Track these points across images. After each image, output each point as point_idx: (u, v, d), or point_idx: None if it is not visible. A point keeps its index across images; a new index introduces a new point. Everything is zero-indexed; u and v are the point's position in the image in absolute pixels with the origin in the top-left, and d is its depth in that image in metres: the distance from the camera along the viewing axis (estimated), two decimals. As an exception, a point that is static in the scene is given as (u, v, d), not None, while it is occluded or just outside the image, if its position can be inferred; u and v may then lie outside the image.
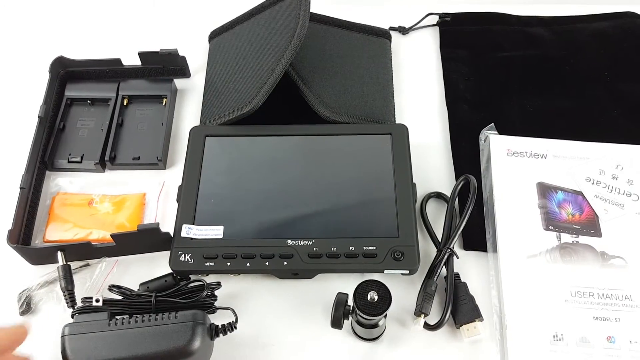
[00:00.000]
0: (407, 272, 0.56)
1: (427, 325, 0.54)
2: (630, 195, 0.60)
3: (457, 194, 0.61)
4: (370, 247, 0.56)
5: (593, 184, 0.61)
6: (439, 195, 0.63)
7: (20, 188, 0.61)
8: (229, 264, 0.56)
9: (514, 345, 0.53)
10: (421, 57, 0.76)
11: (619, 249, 0.57)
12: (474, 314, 0.54)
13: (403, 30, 0.78)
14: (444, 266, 0.57)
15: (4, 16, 0.82)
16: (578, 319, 0.54)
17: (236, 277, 0.58)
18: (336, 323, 0.52)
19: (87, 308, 0.50)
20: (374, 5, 0.80)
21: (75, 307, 0.53)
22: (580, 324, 0.53)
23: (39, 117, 0.65)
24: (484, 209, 0.62)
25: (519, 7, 0.79)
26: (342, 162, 0.62)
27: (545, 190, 0.61)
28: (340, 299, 0.52)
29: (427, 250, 0.60)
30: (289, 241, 0.57)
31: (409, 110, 0.71)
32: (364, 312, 0.49)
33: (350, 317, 0.52)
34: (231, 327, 0.51)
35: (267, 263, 0.56)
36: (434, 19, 0.78)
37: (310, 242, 0.56)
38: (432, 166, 0.66)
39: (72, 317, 0.51)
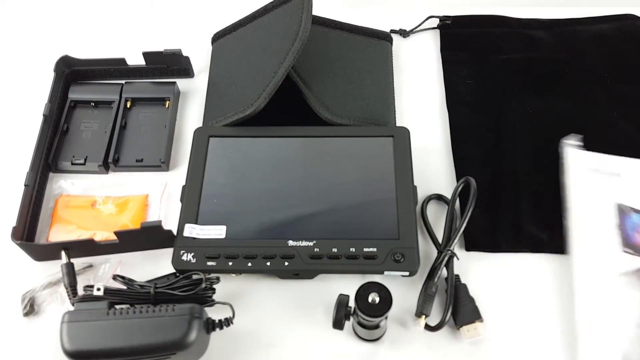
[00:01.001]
0: (407, 273, 0.56)
1: (427, 327, 0.54)
2: None
3: (458, 196, 0.61)
4: (371, 249, 0.56)
5: None
6: (439, 197, 0.63)
7: (25, 185, 0.61)
8: (230, 263, 0.56)
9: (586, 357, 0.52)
10: (422, 60, 0.76)
11: None
12: (474, 315, 0.54)
13: (404, 33, 0.78)
14: (444, 268, 0.57)
15: (9, 16, 0.83)
16: None
17: (237, 277, 0.58)
18: (338, 324, 0.52)
19: (88, 297, 0.50)
20: (376, 8, 0.80)
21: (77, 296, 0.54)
22: None
23: (43, 115, 0.66)
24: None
25: (519, 9, 0.79)
26: (344, 164, 0.63)
27: (623, 211, 0.59)
28: (342, 300, 0.52)
29: (428, 252, 0.60)
30: (290, 242, 0.57)
31: (409, 113, 0.71)
32: (365, 313, 0.49)
33: (351, 319, 0.53)
34: (228, 322, 0.52)
35: (268, 263, 0.56)
36: (435, 22, 0.79)
37: (311, 243, 0.57)
38: (433, 168, 0.66)
39: (73, 305, 0.52)
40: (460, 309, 0.55)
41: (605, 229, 0.58)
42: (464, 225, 0.59)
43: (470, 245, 0.60)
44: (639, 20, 0.78)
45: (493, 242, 0.61)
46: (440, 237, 0.60)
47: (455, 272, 0.57)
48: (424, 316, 0.54)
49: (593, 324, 0.54)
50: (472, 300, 0.56)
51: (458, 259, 0.58)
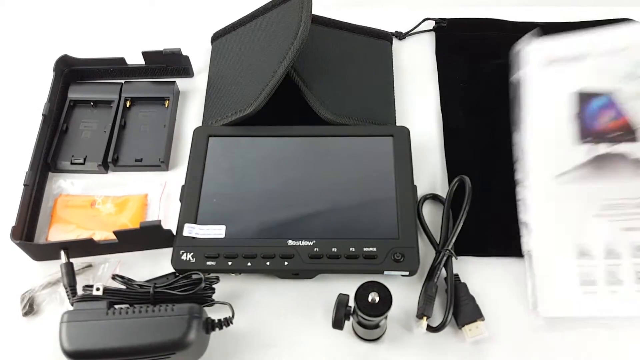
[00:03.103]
0: (407, 273, 0.56)
1: (430, 328, 0.54)
2: None
3: (453, 195, 0.61)
4: (371, 248, 0.56)
5: (632, 79, 0.58)
6: (435, 197, 0.63)
7: (24, 185, 0.61)
8: (230, 263, 0.56)
9: (540, 265, 0.53)
10: (418, 62, 0.76)
11: None
12: (476, 314, 0.54)
13: (400, 36, 0.78)
14: (443, 268, 0.57)
15: (8, 15, 0.83)
16: (606, 232, 0.53)
17: (237, 277, 0.58)
18: (337, 324, 0.52)
19: (87, 297, 0.50)
20: (373, 9, 0.80)
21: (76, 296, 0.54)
22: (609, 236, 0.53)
23: (43, 115, 0.66)
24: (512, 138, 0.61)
25: (516, 9, 0.79)
26: (343, 163, 0.63)
27: (581, 98, 0.58)
28: (342, 300, 0.52)
29: (426, 252, 0.60)
30: (290, 241, 0.57)
31: (407, 113, 0.71)
32: (365, 313, 0.49)
33: (351, 318, 0.53)
34: (227, 322, 0.52)
35: (268, 263, 0.56)
36: (431, 24, 0.79)
37: (311, 243, 0.57)
38: (429, 168, 0.66)
39: (72, 305, 0.52)
40: (461, 308, 0.55)
41: (563, 122, 0.58)
42: (461, 224, 0.59)
43: (460, 249, 0.60)
44: (635, 24, 0.77)
45: (482, 246, 0.60)
46: (437, 237, 0.60)
47: (455, 271, 0.57)
48: (425, 317, 0.54)
49: (548, 224, 0.55)
50: (472, 299, 0.56)
51: (456, 258, 0.58)
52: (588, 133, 0.57)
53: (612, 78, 0.58)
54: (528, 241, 0.56)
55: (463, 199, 0.60)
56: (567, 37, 0.61)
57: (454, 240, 0.58)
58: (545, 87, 0.60)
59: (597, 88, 0.58)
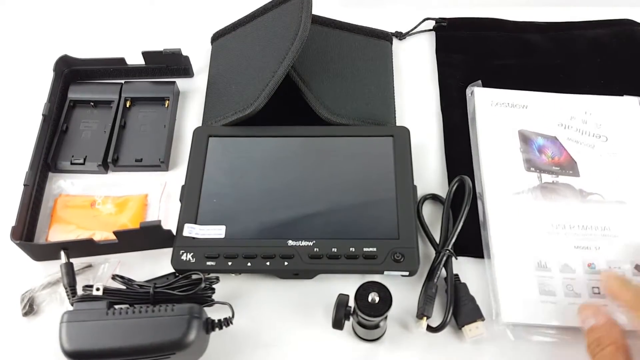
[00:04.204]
0: (407, 273, 0.56)
1: (429, 328, 0.54)
2: (600, 137, 0.65)
3: (453, 195, 0.61)
4: (371, 249, 0.56)
5: (565, 128, 0.66)
6: (434, 197, 0.63)
7: (24, 185, 0.61)
8: (230, 263, 0.56)
9: (502, 274, 0.56)
10: (418, 62, 0.76)
11: (596, 187, 0.62)
12: (476, 314, 0.54)
13: (400, 36, 0.78)
14: (443, 268, 0.57)
15: (9, 16, 0.83)
16: (560, 249, 0.58)
17: (237, 277, 0.58)
18: (337, 324, 0.52)
19: (87, 297, 0.50)
20: (373, 9, 0.80)
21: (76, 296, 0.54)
22: (563, 252, 0.57)
23: (42, 115, 0.66)
24: (472, 158, 0.65)
25: (516, 9, 0.79)
26: (343, 163, 0.63)
27: (526, 137, 0.65)
28: (342, 300, 0.52)
29: (426, 253, 0.60)
30: (290, 242, 0.57)
31: (407, 113, 0.71)
32: (365, 313, 0.49)
33: (351, 318, 0.53)
34: (227, 322, 0.51)
35: (268, 263, 0.56)
36: (431, 24, 0.79)
37: (311, 243, 0.57)
38: (429, 168, 0.66)
39: (72, 305, 0.52)
40: (461, 308, 0.55)
41: (511, 154, 0.64)
42: (461, 224, 0.59)
43: (460, 250, 0.60)
44: (636, 25, 0.77)
45: (482, 246, 0.60)
46: (437, 237, 0.60)
47: (455, 271, 0.57)
48: (425, 318, 0.54)
49: (506, 236, 0.58)
50: (472, 299, 0.56)
51: (457, 258, 0.58)
52: (533, 165, 0.63)
53: (549, 124, 0.66)
54: (490, 249, 0.58)
55: (463, 199, 0.60)
56: (508, 91, 0.69)
57: (454, 240, 0.58)
58: (493, 123, 0.66)
59: (538, 130, 0.66)
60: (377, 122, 0.67)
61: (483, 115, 0.67)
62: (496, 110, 0.67)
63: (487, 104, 0.68)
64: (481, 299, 0.56)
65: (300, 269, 0.56)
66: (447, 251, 0.57)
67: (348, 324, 0.54)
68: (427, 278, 0.57)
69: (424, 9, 0.79)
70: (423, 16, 0.79)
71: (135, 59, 0.72)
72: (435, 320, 0.55)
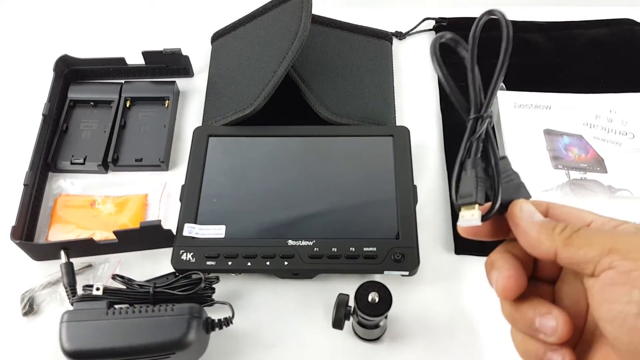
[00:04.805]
0: (407, 273, 0.56)
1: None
2: (626, 134, 0.66)
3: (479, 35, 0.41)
4: (371, 248, 0.56)
5: (590, 127, 0.67)
6: (454, 41, 0.42)
7: (24, 185, 0.61)
8: (230, 263, 0.56)
9: None
10: (418, 62, 0.76)
11: (624, 183, 0.62)
12: (523, 192, 0.38)
13: (400, 35, 0.78)
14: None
15: (9, 16, 0.83)
16: None
17: (237, 277, 0.58)
18: (337, 324, 0.52)
19: (87, 297, 0.50)
20: (373, 9, 0.80)
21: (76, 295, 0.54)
22: None
23: (43, 115, 0.66)
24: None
25: (516, 8, 0.79)
26: (343, 163, 0.63)
27: (551, 136, 0.66)
28: (342, 300, 0.52)
29: (426, 252, 0.60)
30: (290, 241, 0.57)
31: (407, 113, 0.71)
32: (365, 313, 0.49)
33: (351, 318, 0.53)
34: (227, 321, 0.52)
35: (267, 263, 0.56)
36: (431, 24, 0.79)
37: (311, 243, 0.57)
38: (429, 168, 0.66)
39: (72, 304, 0.52)
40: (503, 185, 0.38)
41: (537, 154, 0.65)
42: (502, 77, 0.41)
43: (461, 248, 0.60)
44: (636, 25, 0.77)
45: (483, 245, 0.60)
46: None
47: (455, 271, 0.57)
48: (477, 205, 0.36)
49: None
50: (516, 174, 0.39)
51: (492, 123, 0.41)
52: (561, 162, 0.64)
53: (574, 124, 0.67)
54: None
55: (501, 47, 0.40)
56: (531, 93, 0.70)
57: (493, 100, 0.41)
58: (518, 124, 0.67)
59: (563, 130, 0.67)
60: (377, 122, 0.67)
61: (507, 117, 0.68)
62: (520, 112, 0.68)
63: (511, 105, 0.69)
64: (481, 300, 0.56)
65: (300, 269, 0.56)
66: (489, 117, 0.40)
67: (348, 324, 0.54)
68: (465, 155, 0.40)
69: (423, 9, 0.79)
70: (423, 16, 0.79)
71: (135, 59, 0.72)
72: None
